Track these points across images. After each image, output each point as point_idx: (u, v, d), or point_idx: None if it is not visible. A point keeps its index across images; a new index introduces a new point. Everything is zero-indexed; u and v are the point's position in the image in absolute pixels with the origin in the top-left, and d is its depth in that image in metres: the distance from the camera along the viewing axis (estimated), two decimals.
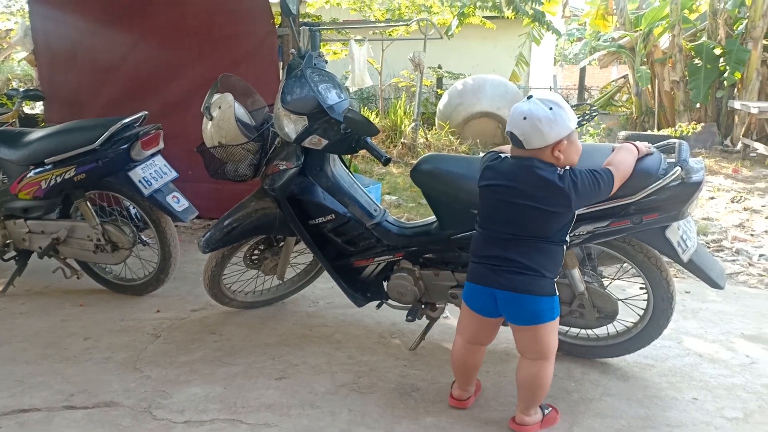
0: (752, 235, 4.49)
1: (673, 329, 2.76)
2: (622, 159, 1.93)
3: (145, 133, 3.02)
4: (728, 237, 4.39)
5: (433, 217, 2.49)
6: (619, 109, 10.18)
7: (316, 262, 2.99)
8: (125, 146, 2.97)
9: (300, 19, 8.26)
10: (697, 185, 2.00)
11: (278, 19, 4.43)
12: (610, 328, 2.41)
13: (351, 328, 2.83)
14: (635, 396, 2.25)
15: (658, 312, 2.28)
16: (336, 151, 2.48)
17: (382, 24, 9.52)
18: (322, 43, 8.79)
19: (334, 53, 9.94)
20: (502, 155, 1.95)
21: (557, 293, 1.91)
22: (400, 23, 9.18)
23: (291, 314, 3.00)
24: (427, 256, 2.48)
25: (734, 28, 8.92)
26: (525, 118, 1.77)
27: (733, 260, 3.91)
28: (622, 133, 7.87)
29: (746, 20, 8.60)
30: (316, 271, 3.08)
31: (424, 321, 2.56)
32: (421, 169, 2.37)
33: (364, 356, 2.56)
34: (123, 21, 4.46)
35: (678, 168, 1.97)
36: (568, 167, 1.83)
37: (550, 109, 1.76)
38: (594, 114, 1.85)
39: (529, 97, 1.82)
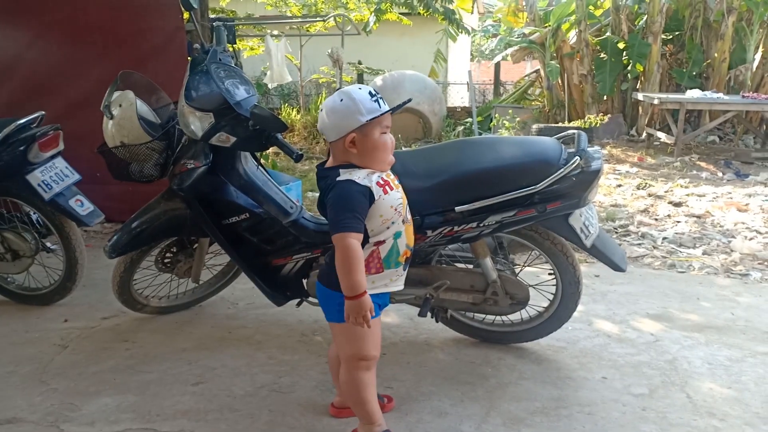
0: (656, 219, 4.77)
1: (584, 312, 2.89)
2: (344, 265, 1.63)
3: (43, 134, 2.86)
4: (634, 222, 4.64)
5: None
6: (533, 102, 10.55)
7: (233, 262, 2.92)
8: (21, 148, 2.81)
9: (212, 14, 8.07)
10: (596, 173, 2.10)
11: (187, 14, 4.30)
12: (523, 314, 2.50)
13: (272, 328, 2.79)
14: (549, 378, 2.34)
15: (567, 296, 2.37)
16: (245, 148, 2.42)
17: (299, 19, 9.44)
18: (238, 39, 8.63)
19: (251, 49, 9.75)
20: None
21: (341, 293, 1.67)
22: (317, 19, 9.14)
23: (209, 317, 2.92)
24: None
25: (636, 23, 9.43)
26: (321, 110, 1.73)
27: (639, 244, 4.13)
28: (536, 126, 8.16)
29: (646, 16, 9.11)
30: (234, 272, 3.01)
31: None
32: None
33: (285, 356, 2.52)
34: (18, 17, 4.20)
35: (577, 157, 2.06)
36: (345, 179, 1.67)
37: (341, 100, 1.68)
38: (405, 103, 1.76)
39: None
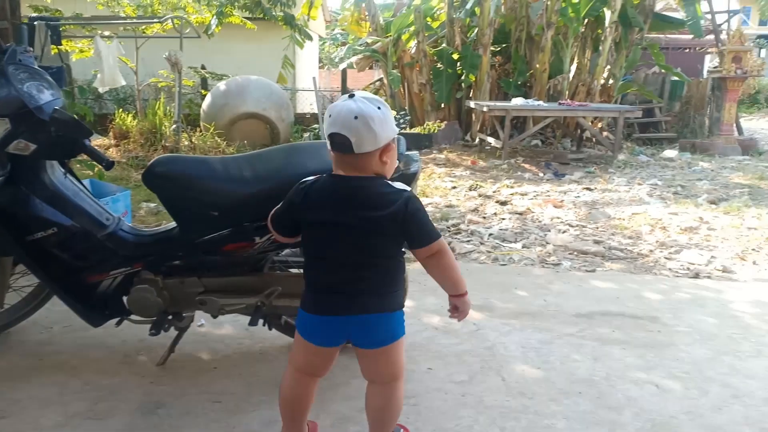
0: (484, 217, 5.13)
1: (414, 307, 3.02)
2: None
3: None
4: (465, 221, 4.95)
5: (174, 222, 2.39)
6: None
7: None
8: None
9: (34, 13, 7.36)
10: (414, 175, 2.21)
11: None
12: None
13: (91, 352, 2.59)
14: None
15: None
16: (49, 156, 2.23)
17: (134, 21, 8.91)
18: (65, 40, 7.93)
19: (81, 51, 9.01)
20: (312, 179, 1.73)
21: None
22: (153, 21, 8.68)
23: (17, 345, 2.64)
24: (171, 263, 2.36)
25: (468, 35, 10.09)
26: (356, 117, 1.56)
27: (468, 240, 4.42)
28: None
29: (477, 29, 9.78)
30: (46, 293, 2.74)
31: (173, 333, 2.44)
32: (154, 172, 2.24)
33: (103, 380, 2.35)
34: None
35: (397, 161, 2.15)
36: (410, 190, 1.69)
37: (379, 108, 1.61)
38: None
39: (351, 95, 1.63)
